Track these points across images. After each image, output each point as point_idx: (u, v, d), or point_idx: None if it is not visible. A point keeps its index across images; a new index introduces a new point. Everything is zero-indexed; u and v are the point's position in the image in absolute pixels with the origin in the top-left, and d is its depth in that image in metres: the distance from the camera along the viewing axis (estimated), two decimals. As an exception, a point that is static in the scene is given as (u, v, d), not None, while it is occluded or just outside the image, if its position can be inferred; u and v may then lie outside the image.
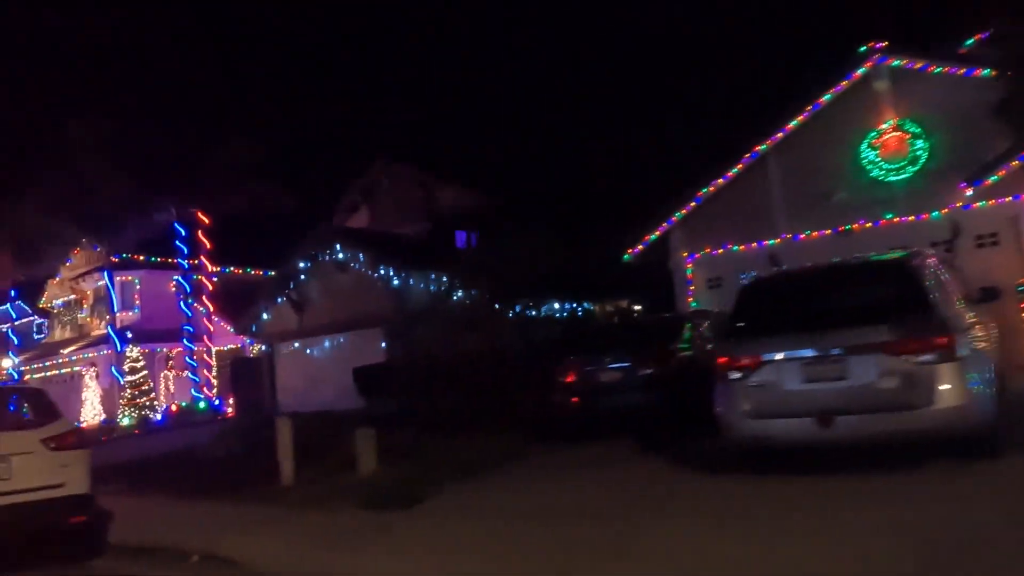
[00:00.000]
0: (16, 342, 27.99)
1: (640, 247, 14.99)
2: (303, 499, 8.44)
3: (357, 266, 21.80)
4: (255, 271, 33.51)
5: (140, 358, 24.98)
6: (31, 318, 42.85)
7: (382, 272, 21.09)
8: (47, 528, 6.12)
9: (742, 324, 6.86)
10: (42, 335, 42.44)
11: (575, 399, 10.02)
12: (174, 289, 31.49)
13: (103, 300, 30.83)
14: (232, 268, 32.88)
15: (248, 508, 8.45)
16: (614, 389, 9.65)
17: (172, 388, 29.82)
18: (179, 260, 27.17)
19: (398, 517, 7.23)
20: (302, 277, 23.19)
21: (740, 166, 14.14)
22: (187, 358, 27.13)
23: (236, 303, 28.99)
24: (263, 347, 26.20)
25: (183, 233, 27.19)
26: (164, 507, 8.99)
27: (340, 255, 22.21)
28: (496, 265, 15.48)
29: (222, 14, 56.72)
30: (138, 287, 30.05)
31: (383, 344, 21.43)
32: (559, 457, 9.33)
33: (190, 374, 26.88)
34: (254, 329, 25.19)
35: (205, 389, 27.20)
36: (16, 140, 25.90)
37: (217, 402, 27.10)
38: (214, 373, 28.19)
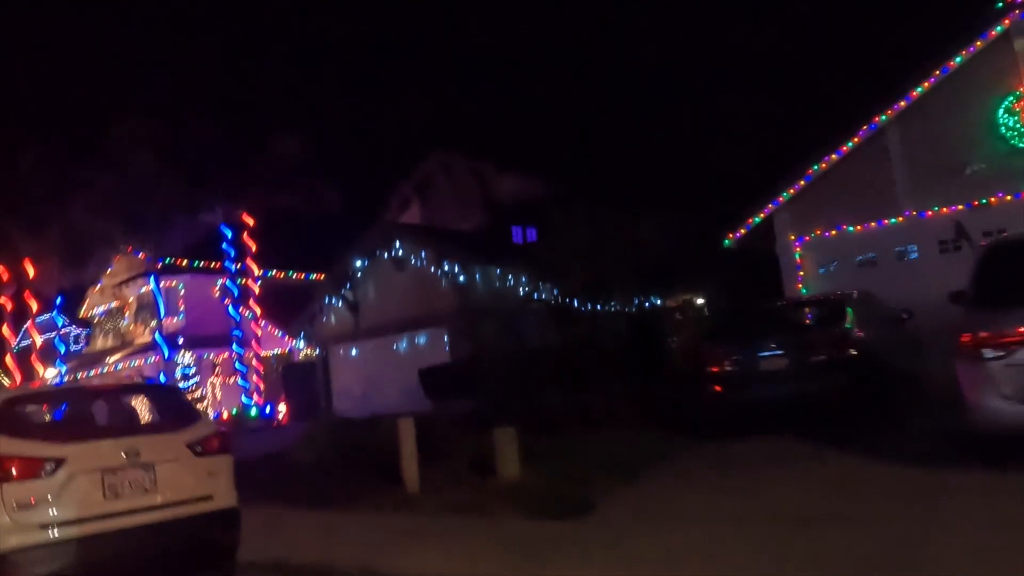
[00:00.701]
0: (63, 351, 27.29)
1: (742, 231, 13.93)
2: (444, 507, 7.47)
3: (418, 263, 20.89)
4: (297, 275, 32.77)
5: (192, 364, 24.18)
6: (68, 328, 42.38)
7: (446, 268, 20.16)
8: (197, 551, 5.16)
9: (992, 294, 5.80)
10: (79, 346, 41.92)
11: (723, 389, 8.99)
12: (218, 294, 30.75)
13: (147, 307, 30.11)
14: (274, 272, 32.13)
15: (384, 518, 7.49)
16: (771, 378, 8.60)
17: (219, 395, 29.07)
18: (226, 263, 26.38)
19: (576, 526, 6.24)
20: (359, 276, 22.32)
21: (856, 139, 13.06)
22: (236, 364, 26.31)
23: (281, 307, 28.21)
24: (316, 351, 25.37)
25: (229, 235, 26.39)
26: (285, 518, 8.02)
27: (399, 252, 21.32)
28: (588, 254, 14.44)
29: (265, 10, 55.50)
30: (182, 292, 29.30)
31: (446, 344, 20.51)
32: (719, 454, 8.29)
33: (240, 380, 26.03)
34: (307, 332, 24.39)
35: (255, 395, 26.33)
36: (60, 143, 25.25)
37: (268, 408, 26.25)
38: (262, 379, 27.33)
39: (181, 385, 23.93)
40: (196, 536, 5.12)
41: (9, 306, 25.32)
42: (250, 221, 27.30)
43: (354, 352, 23.22)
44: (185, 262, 29.78)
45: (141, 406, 5.72)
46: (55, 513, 4.52)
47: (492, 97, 50.46)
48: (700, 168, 21.15)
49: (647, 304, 20.55)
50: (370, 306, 22.40)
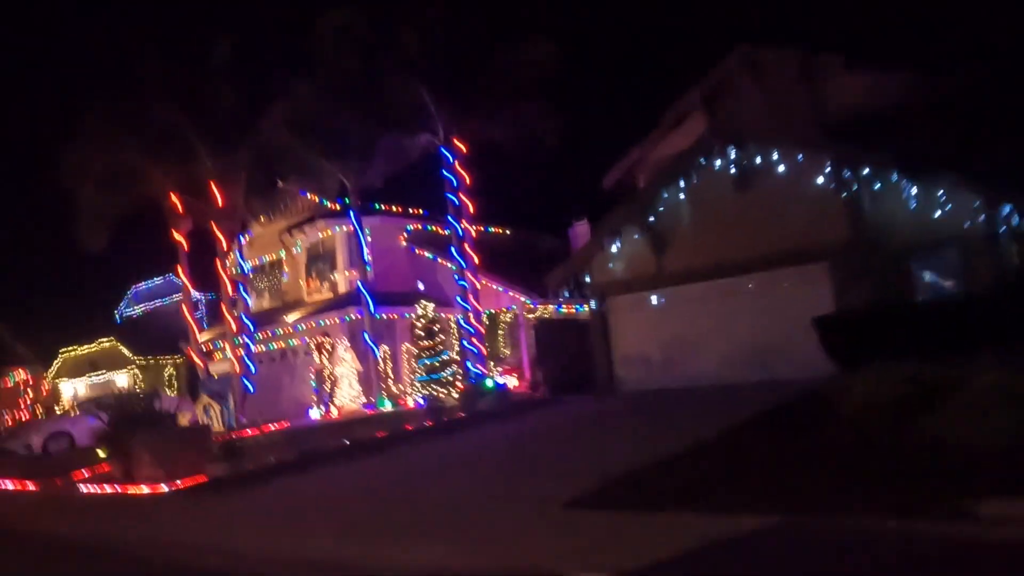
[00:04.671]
0: (248, 302, 21.62)
1: None
2: None
3: (789, 174, 15.15)
4: (485, 227, 27.22)
5: (435, 318, 18.71)
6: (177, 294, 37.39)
7: (845, 180, 14.41)
8: None
9: None
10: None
11: None
12: (405, 243, 25.40)
13: (325, 257, 24.80)
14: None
15: None
16: None
17: (415, 364, 23.65)
18: (446, 195, 20.81)
19: None
20: (680, 197, 16.61)
21: None
22: (460, 322, 20.79)
23: (494, 259, 22.75)
24: (578, 307, 19.85)
25: (450, 160, 20.83)
26: None
27: (746, 164, 15.61)
28: None
29: None
30: (369, 239, 23.83)
31: (828, 287, 14.76)
32: None
33: (465, 343, 20.51)
34: (573, 283, 18.71)
35: (478, 363, 20.79)
36: (248, 44, 19.81)
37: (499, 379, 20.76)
38: (483, 342, 21.81)
39: (424, 343, 18.37)
40: None
41: (186, 244, 19.98)
42: (462, 147, 21.69)
43: (652, 304, 17.56)
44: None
45: None
46: None
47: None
48: None
49: None
50: (684, 242, 16.76)
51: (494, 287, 22.53)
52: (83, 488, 12.30)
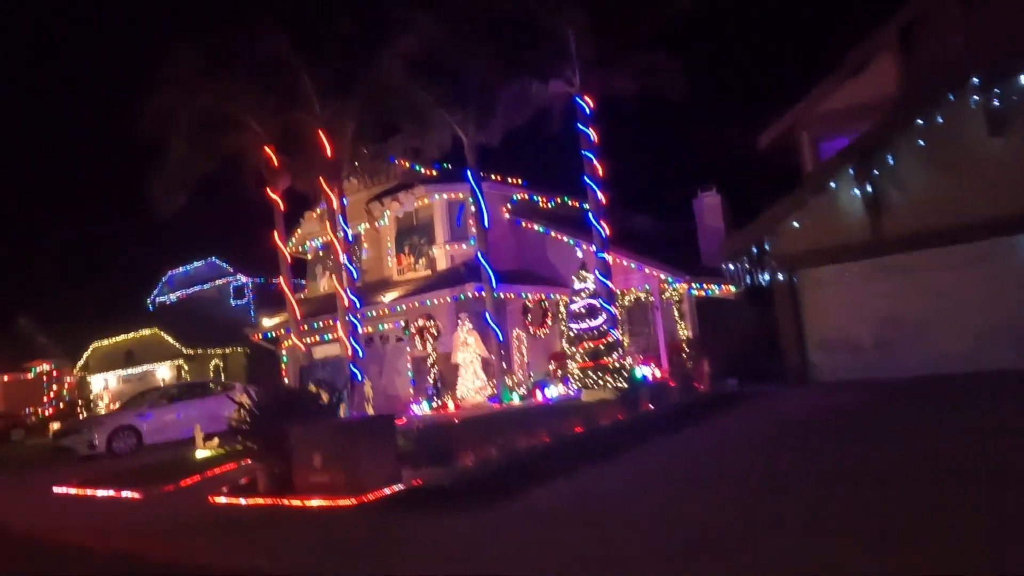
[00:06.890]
0: (356, 275, 18.23)
1: None
2: None
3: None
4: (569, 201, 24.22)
5: (596, 290, 15.65)
6: (230, 277, 34.34)
7: None
8: None
9: None
10: (240, 297, 33.90)
11: None
12: (508, 215, 22.36)
13: (418, 230, 21.70)
14: (553, 198, 23.63)
15: None
16: None
17: (526, 353, 20.63)
18: (582, 152, 17.77)
19: None
20: (918, 143, 13.55)
21: None
22: (599, 302, 17.67)
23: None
24: (716, 285, 16.78)
25: (587, 112, 17.78)
26: None
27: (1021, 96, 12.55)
28: None
29: None
30: (472, 209, 20.78)
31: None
32: None
33: (606, 326, 17.39)
34: (761, 251, 15.60)
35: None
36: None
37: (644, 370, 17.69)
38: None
39: (587, 324, 15.30)
40: None
41: (282, 205, 16.85)
42: (591, 102, 18.60)
43: (865, 277, 14.50)
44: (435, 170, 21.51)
45: None
46: None
47: None
48: None
49: None
50: (915, 200, 13.75)
51: (624, 263, 19.48)
52: (217, 500, 9.23)
